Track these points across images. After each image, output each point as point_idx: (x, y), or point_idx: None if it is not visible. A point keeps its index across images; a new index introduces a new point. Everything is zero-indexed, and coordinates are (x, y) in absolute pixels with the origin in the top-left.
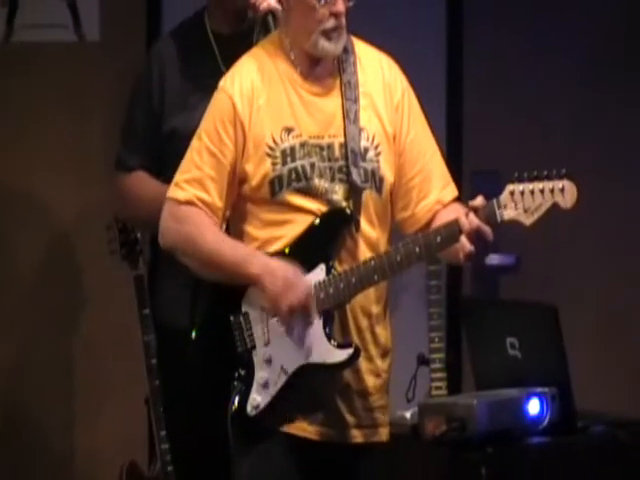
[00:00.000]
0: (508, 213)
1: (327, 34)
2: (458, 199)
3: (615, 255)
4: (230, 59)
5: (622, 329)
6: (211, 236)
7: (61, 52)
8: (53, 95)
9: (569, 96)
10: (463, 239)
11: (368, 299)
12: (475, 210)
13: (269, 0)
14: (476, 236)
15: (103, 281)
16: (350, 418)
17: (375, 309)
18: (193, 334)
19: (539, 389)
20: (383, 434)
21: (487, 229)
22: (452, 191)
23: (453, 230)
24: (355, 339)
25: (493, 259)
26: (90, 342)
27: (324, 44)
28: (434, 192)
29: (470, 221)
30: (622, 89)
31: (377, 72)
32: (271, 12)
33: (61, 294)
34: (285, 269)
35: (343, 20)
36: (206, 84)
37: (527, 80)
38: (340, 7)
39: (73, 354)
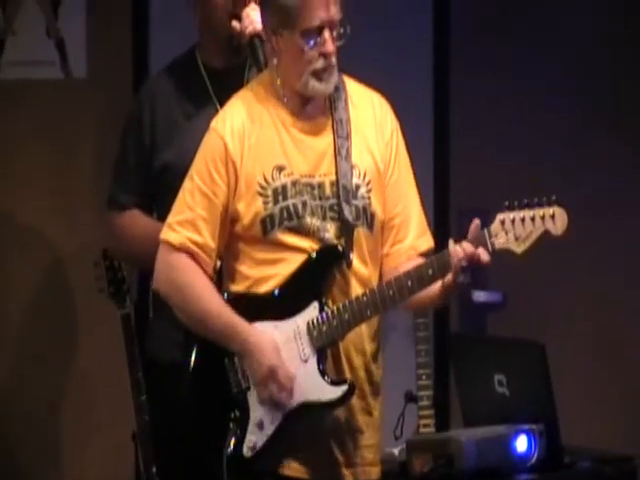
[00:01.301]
0: (499, 242)
1: (317, 74)
2: (433, 251)
3: (601, 292)
4: (223, 93)
5: (609, 365)
6: (199, 297)
7: (48, 89)
8: (41, 131)
9: (557, 135)
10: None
11: (361, 337)
12: (469, 240)
13: (254, 24)
14: (470, 262)
15: (93, 316)
16: (341, 457)
17: (369, 347)
18: (188, 376)
19: (527, 426)
20: (374, 473)
21: (483, 251)
22: (427, 241)
23: (444, 260)
24: (349, 377)
25: (480, 296)
26: (79, 376)
27: (315, 84)
28: (410, 238)
29: (465, 248)
30: (612, 126)
31: (368, 110)
32: (257, 35)
33: (51, 328)
34: (264, 358)
35: (333, 59)
36: (198, 118)
37: (515, 118)
38: (329, 47)
39: (62, 388)
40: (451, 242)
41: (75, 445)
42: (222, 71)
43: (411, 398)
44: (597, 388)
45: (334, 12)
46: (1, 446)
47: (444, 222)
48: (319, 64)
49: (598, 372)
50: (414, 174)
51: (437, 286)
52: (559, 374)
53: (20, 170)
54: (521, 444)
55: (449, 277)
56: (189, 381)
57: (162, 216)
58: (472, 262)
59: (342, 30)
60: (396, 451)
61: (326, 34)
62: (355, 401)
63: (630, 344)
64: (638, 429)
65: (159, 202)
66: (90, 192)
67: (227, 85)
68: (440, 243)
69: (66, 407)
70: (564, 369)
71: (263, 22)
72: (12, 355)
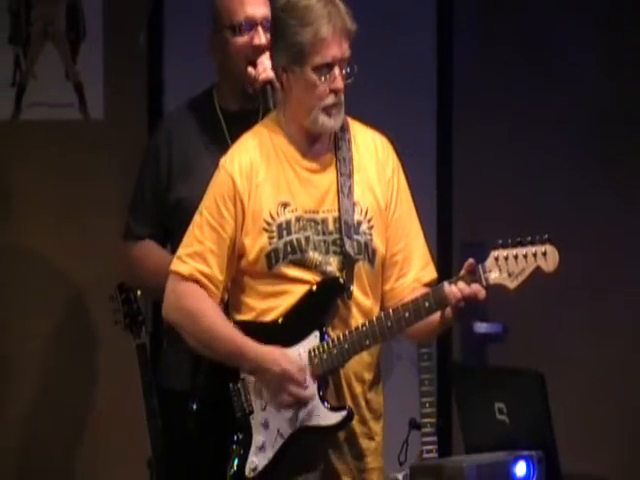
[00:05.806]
0: (493, 277)
1: (327, 110)
2: (437, 282)
3: (601, 323)
4: (237, 134)
5: (608, 394)
6: (208, 322)
7: (67, 129)
8: (59, 169)
9: (560, 170)
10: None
11: (361, 365)
12: (463, 278)
13: (267, 71)
14: (467, 300)
15: (110, 346)
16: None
17: (368, 375)
18: (194, 404)
19: (526, 452)
20: None
21: (479, 290)
22: (431, 272)
23: (441, 295)
24: (350, 404)
25: (481, 327)
26: (96, 405)
27: (324, 120)
28: (413, 271)
29: (461, 289)
30: (614, 161)
31: (371, 149)
32: (270, 82)
33: (69, 358)
34: (274, 366)
35: (342, 97)
36: (212, 156)
37: (518, 154)
38: (340, 84)
39: (79, 417)
40: (446, 284)
41: (91, 473)
42: (237, 114)
43: (415, 425)
44: (595, 417)
45: (345, 49)
46: (16, 472)
47: (447, 255)
48: (329, 100)
49: (597, 401)
50: (417, 208)
51: (436, 317)
52: (558, 403)
53: (39, 207)
54: (520, 470)
55: (448, 312)
56: (196, 410)
57: (176, 249)
58: (469, 300)
59: (350, 69)
60: (400, 476)
61: (336, 71)
62: (357, 427)
63: (629, 375)
64: (636, 458)
65: (173, 235)
66: (107, 228)
67: (241, 127)
68: (443, 275)
69: (82, 435)
70: (563, 398)
71: (274, 60)
72: (29, 385)
